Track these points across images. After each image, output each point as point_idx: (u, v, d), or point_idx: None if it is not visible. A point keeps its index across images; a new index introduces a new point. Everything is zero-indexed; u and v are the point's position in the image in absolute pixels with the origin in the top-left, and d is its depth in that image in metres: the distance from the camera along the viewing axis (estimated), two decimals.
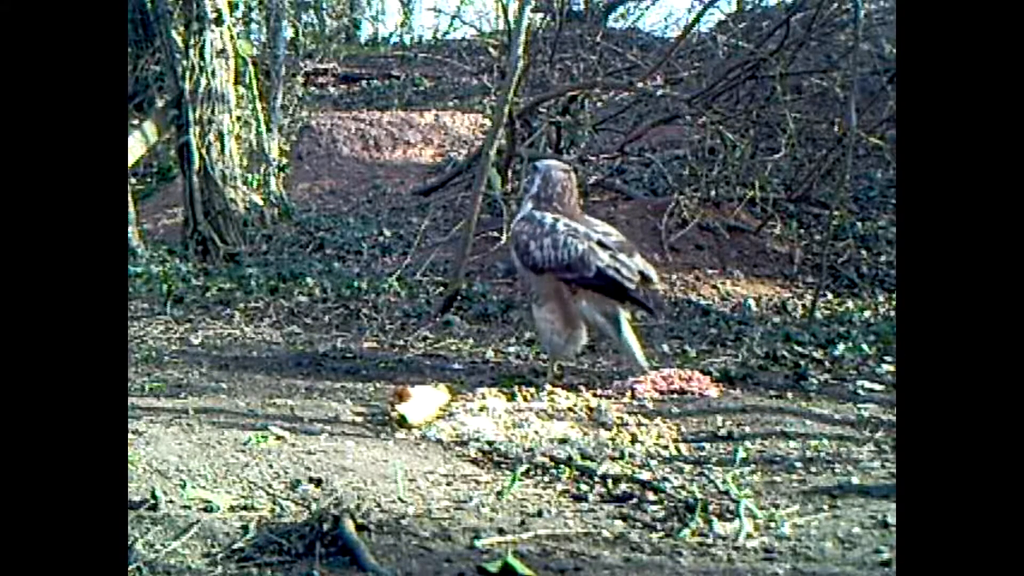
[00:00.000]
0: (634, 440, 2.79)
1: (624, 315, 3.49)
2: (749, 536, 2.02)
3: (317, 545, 1.90)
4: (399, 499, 2.24)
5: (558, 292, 3.43)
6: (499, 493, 2.31)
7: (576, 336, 3.46)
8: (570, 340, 3.46)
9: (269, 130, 7.09)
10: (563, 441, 2.76)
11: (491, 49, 8.31)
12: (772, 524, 2.10)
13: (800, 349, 3.89)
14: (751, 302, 4.85)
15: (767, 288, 5.11)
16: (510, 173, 6.40)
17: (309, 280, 5.13)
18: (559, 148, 7.03)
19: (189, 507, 2.12)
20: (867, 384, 3.42)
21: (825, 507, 2.21)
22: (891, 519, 2.06)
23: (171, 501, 2.13)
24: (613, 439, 2.80)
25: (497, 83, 7.16)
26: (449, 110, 9.21)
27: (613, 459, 2.59)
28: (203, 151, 6.24)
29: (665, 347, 4.01)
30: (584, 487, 2.37)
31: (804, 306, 4.73)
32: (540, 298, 3.47)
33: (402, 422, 2.90)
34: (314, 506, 2.14)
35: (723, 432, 2.86)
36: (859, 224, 5.80)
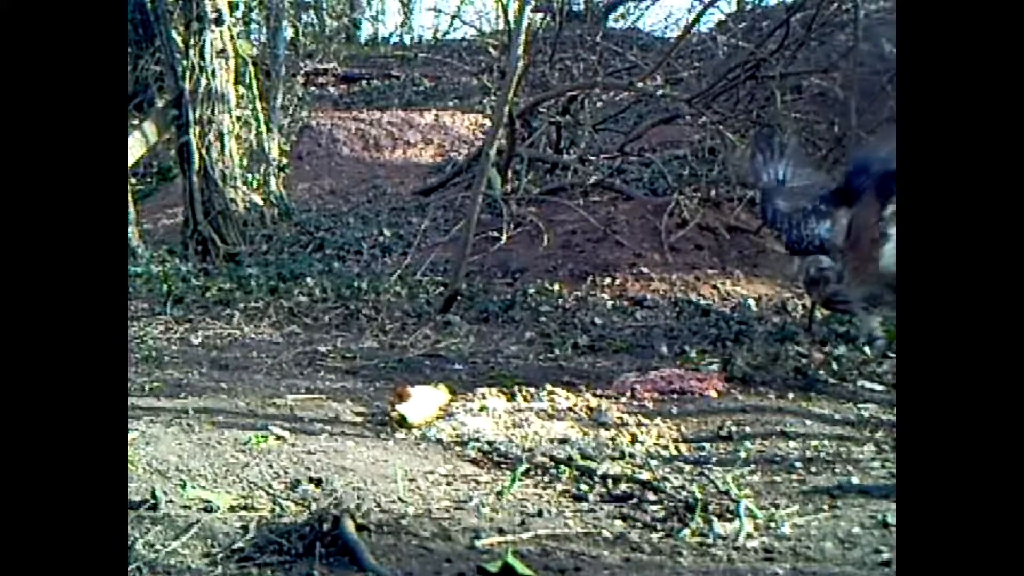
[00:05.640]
0: (634, 440, 2.79)
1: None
2: (749, 536, 2.03)
3: (317, 545, 1.91)
4: (399, 499, 2.24)
5: None
6: (499, 493, 2.31)
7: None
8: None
9: (269, 130, 7.08)
10: (563, 441, 2.76)
11: (491, 49, 8.30)
12: (772, 524, 2.10)
13: (800, 349, 3.89)
14: (751, 302, 4.84)
15: (767, 288, 5.11)
16: (510, 173, 6.40)
17: (309, 280, 5.12)
18: (559, 148, 7.02)
19: (189, 507, 2.12)
20: (867, 384, 3.42)
21: (825, 507, 2.21)
22: (891, 519, 2.06)
23: (171, 501, 2.13)
24: (613, 439, 2.80)
25: (497, 83, 7.15)
26: (449, 110, 9.19)
27: (613, 459, 2.59)
28: (203, 151, 6.23)
29: (665, 347, 4.01)
30: (584, 487, 2.37)
31: (804, 306, 4.73)
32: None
33: (402, 422, 2.90)
34: (314, 506, 2.14)
35: (723, 432, 2.86)
36: None
